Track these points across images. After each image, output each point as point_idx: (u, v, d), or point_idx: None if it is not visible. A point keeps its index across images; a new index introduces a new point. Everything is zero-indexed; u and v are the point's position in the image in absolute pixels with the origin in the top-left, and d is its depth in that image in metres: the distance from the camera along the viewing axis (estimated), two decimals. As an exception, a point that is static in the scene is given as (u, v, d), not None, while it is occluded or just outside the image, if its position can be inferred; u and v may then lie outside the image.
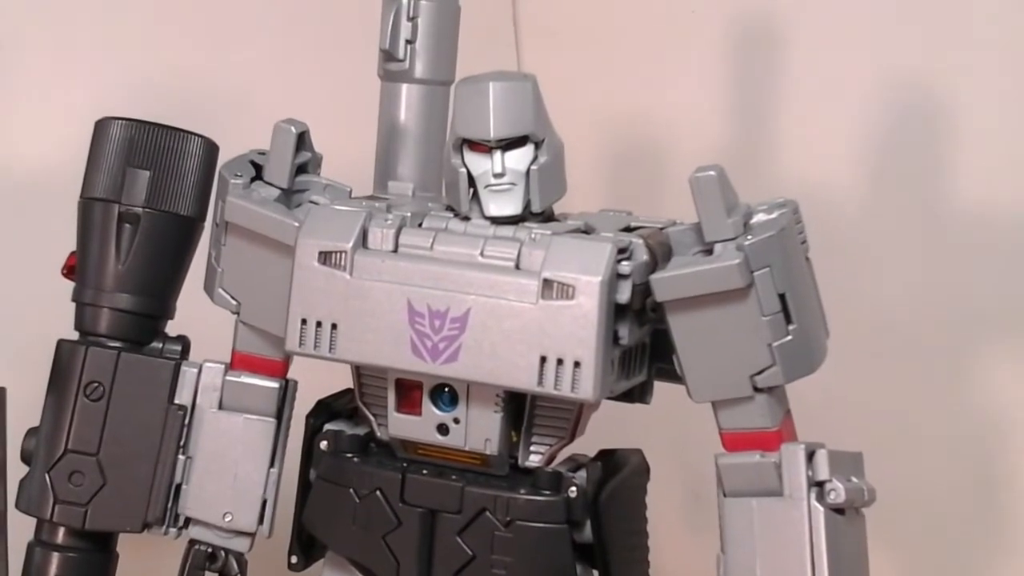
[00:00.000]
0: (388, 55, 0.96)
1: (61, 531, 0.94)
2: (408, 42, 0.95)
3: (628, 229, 0.86)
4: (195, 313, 0.96)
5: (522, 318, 0.80)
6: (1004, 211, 1.15)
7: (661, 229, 0.85)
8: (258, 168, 0.91)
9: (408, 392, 0.86)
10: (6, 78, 1.26)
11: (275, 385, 0.92)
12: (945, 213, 1.20)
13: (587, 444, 0.89)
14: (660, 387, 0.91)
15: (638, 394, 0.89)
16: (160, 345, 0.94)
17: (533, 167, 0.83)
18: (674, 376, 0.84)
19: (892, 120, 1.21)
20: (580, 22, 1.44)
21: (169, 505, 0.92)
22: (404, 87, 0.96)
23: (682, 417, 0.88)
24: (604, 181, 1.35)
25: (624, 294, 0.80)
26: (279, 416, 0.93)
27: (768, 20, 1.26)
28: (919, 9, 1.18)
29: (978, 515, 1.21)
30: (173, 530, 0.93)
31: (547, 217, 0.86)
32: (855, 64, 1.23)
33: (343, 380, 0.93)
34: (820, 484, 0.81)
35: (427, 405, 0.85)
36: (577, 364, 0.79)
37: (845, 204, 1.25)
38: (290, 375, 0.96)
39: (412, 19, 0.94)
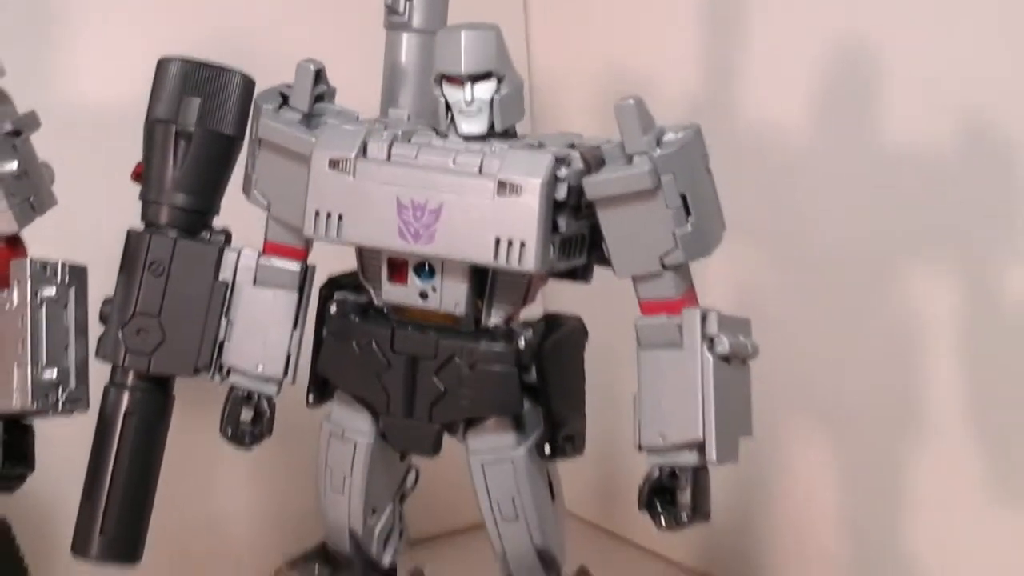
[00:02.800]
0: (391, 10, 1.08)
1: (130, 375, 1.07)
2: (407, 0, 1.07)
3: (573, 146, 1.00)
4: (235, 211, 1.10)
5: (482, 210, 0.96)
6: (925, 146, 1.23)
7: (598, 146, 0.99)
8: (285, 97, 1.04)
9: (397, 267, 1.02)
10: (85, 29, 1.37)
11: (297, 268, 1.06)
12: (876, 145, 1.27)
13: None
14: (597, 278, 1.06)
15: (581, 274, 1.04)
16: (208, 234, 1.07)
17: (496, 96, 0.98)
18: (605, 260, 1.00)
19: (836, 69, 1.30)
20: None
21: (214, 357, 1.06)
22: (404, 35, 1.08)
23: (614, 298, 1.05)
24: (600, 117, 1.48)
25: (561, 193, 0.96)
26: (300, 291, 1.06)
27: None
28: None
29: (893, 402, 1.29)
30: (218, 376, 1.07)
31: (509, 136, 1.01)
32: (807, 20, 1.32)
33: (346, 264, 1.07)
34: (711, 338, 0.96)
35: (411, 277, 1.01)
36: (523, 244, 0.95)
37: (793, 138, 1.34)
38: (309, 261, 1.07)
39: (411, -20, 1.07)
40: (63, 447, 1.13)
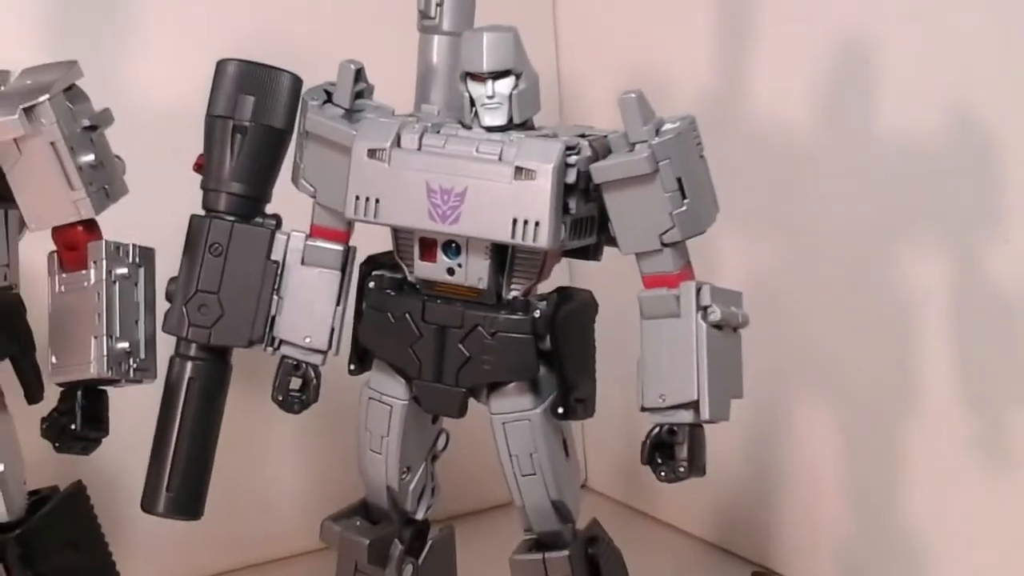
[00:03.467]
0: (424, 14, 1.14)
1: (193, 346, 1.15)
2: (438, 5, 1.13)
3: (583, 136, 1.07)
4: (285, 199, 1.18)
5: (501, 193, 1.04)
6: (920, 138, 1.29)
7: (605, 136, 1.07)
8: (329, 94, 1.12)
9: (428, 246, 1.09)
10: (150, 36, 1.46)
11: (341, 248, 1.13)
12: (875, 138, 1.33)
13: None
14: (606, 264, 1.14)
15: (592, 253, 1.12)
16: (261, 219, 1.14)
17: (514, 92, 1.05)
18: (613, 240, 1.07)
19: (838, 67, 1.36)
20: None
21: (267, 330, 1.13)
22: (435, 38, 1.14)
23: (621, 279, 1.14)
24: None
25: (570, 177, 1.04)
26: (343, 270, 1.14)
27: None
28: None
29: (892, 377, 1.35)
30: (270, 348, 1.14)
31: (527, 127, 1.08)
32: (812, 22, 1.38)
33: (385, 245, 1.14)
34: (705, 308, 1.04)
35: (440, 255, 1.09)
36: (537, 224, 1.03)
37: (797, 129, 1.41)
38: (351, 243, 1.14)
39: (441, -12, 1.15)
40: (129, 417, 1.19)
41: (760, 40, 1.44)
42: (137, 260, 1.16)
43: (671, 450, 1.06)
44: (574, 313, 1.10)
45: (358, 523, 1.18)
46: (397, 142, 1.08)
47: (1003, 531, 1.29)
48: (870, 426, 1.39)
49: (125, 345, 1.14)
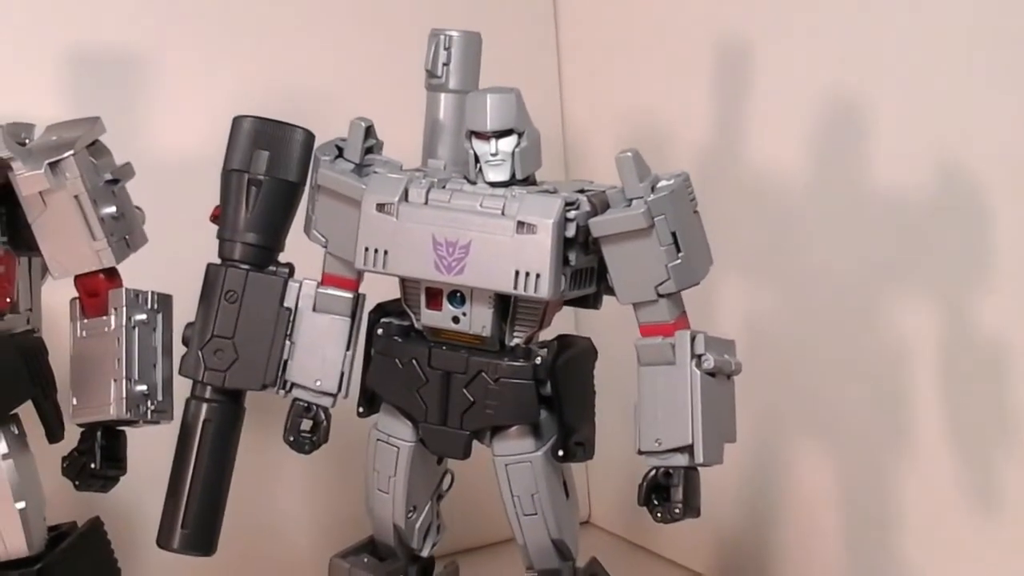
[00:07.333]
0: (431, 74, 1.18)
1: (208, 389, 1.18)
2: (444, 64, 1.17)
3: (583, 191, 1.11)
4: (297, 249, 1.21)
5: (504, 246, 1.07)
6: (907, 189, 1.32)
7: (604, 191, 1.11)
8: (340, 150, 1.15)
9: (434, 295, 1.13)
10: (171, 94, 1.49)
11: (351, 296, 1.17)
12: (865, 189, 1.36)
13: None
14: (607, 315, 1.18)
15: (592, 302, 1.15)
16: (275, 268, 1.17)
17: (517, 149, 1.09)
18: (611, 290, 1.11)
19: (829, 121, 1.38)
20: (608, 40, 1.70)
21: (279, 373, 1.16)
22: (442, 96, 1.18)
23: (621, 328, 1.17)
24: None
25: (570, 231, 1.07)
26: (353, 316, 1.17)
27: (742, 45, 1.48)
28: (848, 38, 1.38)
29: (884, 421, 1.36)
30: (282, 391, 1.17)
31: (529, 182, 1.12)
32: (805, 78, 1.41)
33: (392, 293, 1.18)
34: (699, 356, 1.07)
35: (446, 304, 1.12)
36: (538, 275, 1.07)
37: (791, 182, 1.44)
38: (360, 291, 1.17)
39: (447, 49, 1.17)
40: (146, 456, 1.23)
41: (756, 97, 1.47)
42: (155, 306, 1.19)
43: (667, 492, 1.10)
44: (573, 360, 1.14)
45: (366, 560, 1.21)
46: (405, 197, 1.11)
47: (993, 573, 1.32)
48: (863, 467, 1.41)
49: (143, 388, 1.17)
